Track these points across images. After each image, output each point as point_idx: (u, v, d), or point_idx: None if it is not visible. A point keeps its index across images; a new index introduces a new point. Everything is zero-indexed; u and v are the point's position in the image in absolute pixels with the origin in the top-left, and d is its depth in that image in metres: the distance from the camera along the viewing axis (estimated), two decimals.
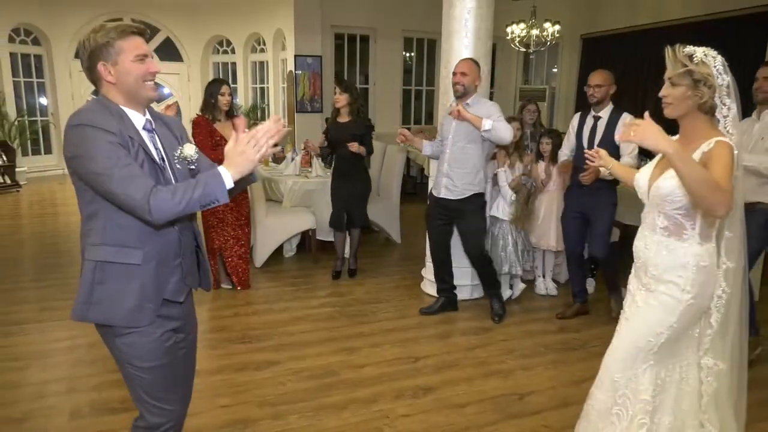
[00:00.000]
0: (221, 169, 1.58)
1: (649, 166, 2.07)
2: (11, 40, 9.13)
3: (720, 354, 2.01)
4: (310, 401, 2.85)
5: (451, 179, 3.79)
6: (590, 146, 3.51)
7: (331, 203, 4.70)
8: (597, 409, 2.07)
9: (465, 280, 4.22)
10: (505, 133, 3.63)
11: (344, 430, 2.64)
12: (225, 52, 10.71)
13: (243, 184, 1.74)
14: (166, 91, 10.75)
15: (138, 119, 1.70)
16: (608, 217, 3.76)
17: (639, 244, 2.07)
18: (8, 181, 8.55)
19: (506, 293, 4.27)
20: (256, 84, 10.72)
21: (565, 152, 3.98)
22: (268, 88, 10.50)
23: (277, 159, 5.87)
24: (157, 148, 1.71)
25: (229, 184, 1.57)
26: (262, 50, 10.31)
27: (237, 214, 4.30)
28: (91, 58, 1.63)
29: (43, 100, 9.88)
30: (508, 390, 3.03)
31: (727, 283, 1.97)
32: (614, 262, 3.94)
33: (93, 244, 1.67)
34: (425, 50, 10.05)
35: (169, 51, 10.49)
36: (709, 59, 1.82)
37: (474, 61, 3.75)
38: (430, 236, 4.08)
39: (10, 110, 9.02)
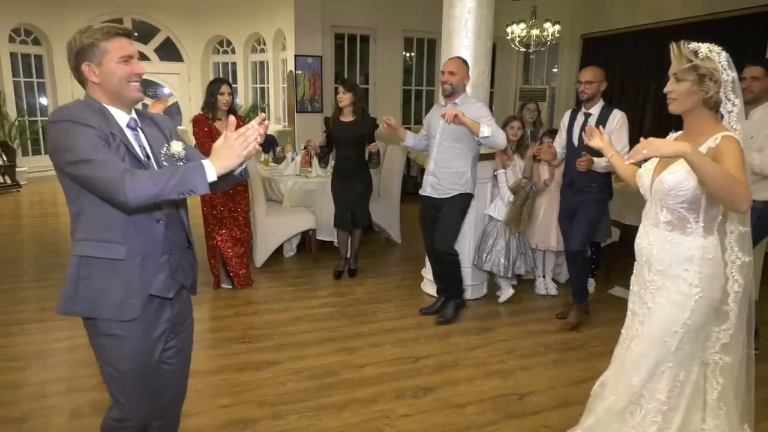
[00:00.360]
0: (206, 161, 1.57)
1: (651, 164, 2.07)
2: (11, 40, 9.14)
3: (732, 349, 2.01)
4: (310, 401, 2.85)
5: (436, 178, 3.79)
6: (581, 143, 3.48)
7: (333, 203, 4.68)
8: (608, 408, 2.07)
9: (464, 280, 4.20)
10: (502, 140, 3.64)
11: (344, 430, 2.64)
12: (225, 52, 10.71)
13: (231, 179, 1.74)
14: (166, 91, 10.76)
15: (122, 117, 1.71)
16: (591, 214, 3.71)
17: (641, 242, 2.06)
18: (8, 181, 8.55)
19: (508, 292, 4.27)
20: (256, 84, 10.73)
21: (557, 150, 3.96)
22: (268, 88, 10.50)
23: (277, 159, 5.87)
24: (141, 146, 1.72)
25: (212, 177, 1.55)
26: (263, 50, 10.31)
27: (236, 214, 4.30)
28: (76, 58, 1.65)
29: (44, 100, 9.88)
30: (508, 390, 3.03)
31: (742, 277, 1.97)
32: (585, 265, 3.87)
33: (78, 240, 1.69)
34: (425, 50, 10.05)
35: (169, 51, 10.50)
36: (714, 54, 1.83)
37: (462, 60, 3.73)
38: (423, 237, 4.06)
39: (11, 110, 9.03)
